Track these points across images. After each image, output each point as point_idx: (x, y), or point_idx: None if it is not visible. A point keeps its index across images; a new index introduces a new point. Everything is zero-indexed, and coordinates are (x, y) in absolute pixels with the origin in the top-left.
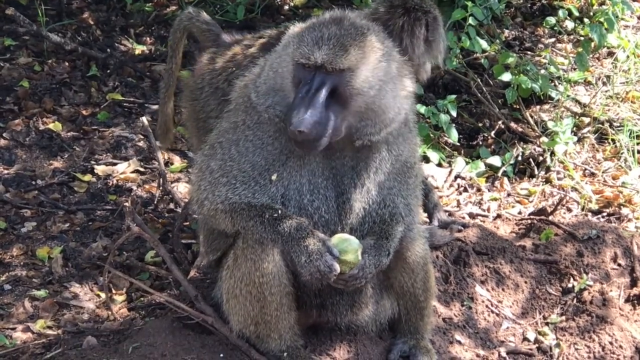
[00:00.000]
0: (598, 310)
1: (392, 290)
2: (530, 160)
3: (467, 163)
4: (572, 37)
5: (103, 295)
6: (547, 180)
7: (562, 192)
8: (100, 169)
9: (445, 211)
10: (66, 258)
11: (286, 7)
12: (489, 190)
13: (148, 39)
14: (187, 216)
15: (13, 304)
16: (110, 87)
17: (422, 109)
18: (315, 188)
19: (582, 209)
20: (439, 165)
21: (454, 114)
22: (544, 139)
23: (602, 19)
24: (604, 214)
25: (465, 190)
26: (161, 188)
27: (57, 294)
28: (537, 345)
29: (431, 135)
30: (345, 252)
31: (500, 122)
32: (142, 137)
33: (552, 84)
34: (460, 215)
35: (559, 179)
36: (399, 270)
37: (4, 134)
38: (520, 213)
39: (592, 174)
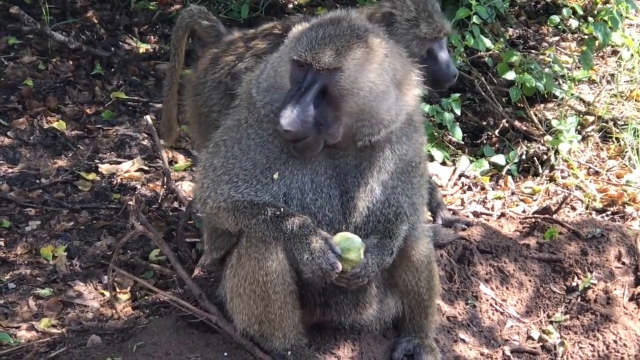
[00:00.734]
0: (602, 308)
1: (396, 289)
2: (535, 158)
3: (471, 162)
4: (576, 35)
5: (107, 293)
6: (551, 179)
7: (566, 190)
8: (104, 168)
9: (449, 210)
10: (70, 257)
11: (290, 5)
12: (493, 189)
13: (152, 37)
14: (191, 215)
15: (17, 303)
16: (114, 85)
17: (426, 107)
18: (317, 186)
19: (586, 208)
20: (443, 163)
21: (458, 112)
22: (548, 137)
23: (606, 18)
24: (608, 212)
25: (470, 188)
26: (165, 187)
27: (62, 293)
28: (541, 343)
29: (435, 133)
30: (348, 251)
31: (504, 121)
32: (146, 135)
33: (556, 82)
34: (465, 213)
35: (563, 177)
36: (403, 269)
37: (8, 133)
38: (524, 212)
39: (597, 173)
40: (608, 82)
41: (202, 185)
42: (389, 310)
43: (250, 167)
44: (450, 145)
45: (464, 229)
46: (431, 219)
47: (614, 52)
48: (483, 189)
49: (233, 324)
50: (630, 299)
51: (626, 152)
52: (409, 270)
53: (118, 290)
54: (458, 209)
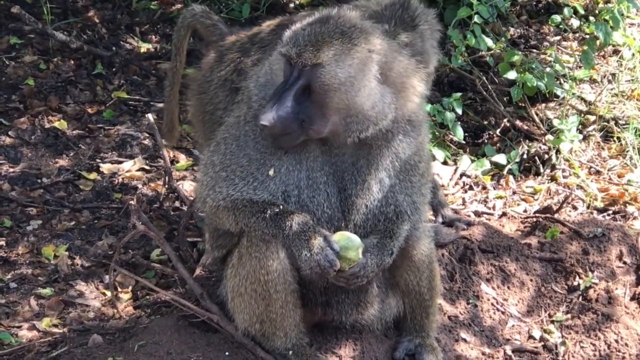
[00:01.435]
0: (603, 308)
1: (397, 288)
2: (536, 158)
3: (472, 161)
4: (577, 35)
5: (109, 293)
6: (553, 178)
7: (568, 190)
8: (105, 167)
9: (451, 209)
10: (72, 256)
11: (291, 4)
12: (494, 188)
13: (153, 37)
14: (192, 214)
15: (19, 302)
16: (115, 85)
17: (428, 107)
18: (314, 183)
19: (588, 207)
20: (445, 163)
21: (459, 111)
22: (549, 136)
23: (607, 17)
24: (610, 212)
25: (471, 188)
26: (167, 186)
27: (63, 292)
28: (542, 343)
29: (437, 133)
30: (347, 250)
31: (505, 120)
32: (147, 135)
33: (558, 81)
34: (466, 213)
35: (564, 177)
36: (404, 269)
37: (10, 132)
38: (525, 211)
39: (598, 172)
40: (609, 81)
41: (202, 183)
42: (391, 309)
43: (246, 164)
44: (451, 145)
45: (465, 229)
46: (433, 217)
47: (615, 52)
48: (484, 188)
49: (234, 324)
50: (632, 299)
51: (627, 151)
52: (410, 270)
53: (119, 289)
54: (459, 209)
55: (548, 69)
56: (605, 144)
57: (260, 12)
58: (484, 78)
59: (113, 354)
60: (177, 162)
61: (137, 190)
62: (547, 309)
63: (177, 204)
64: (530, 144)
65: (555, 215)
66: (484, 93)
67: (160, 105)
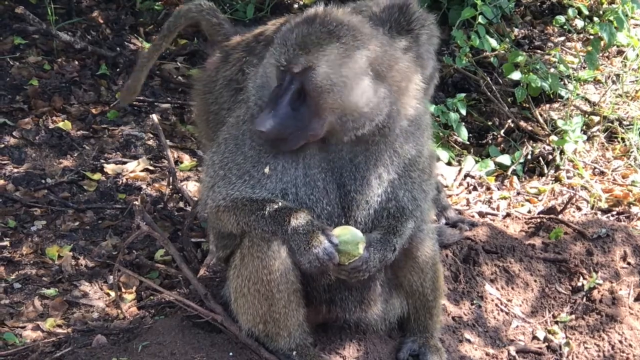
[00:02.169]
0: (608, 309)
1: (401, 289)
2: (540, 158)
3: (476, 162)
4: (581, 35)
5: (113, 293)
6: (557, 179)
7: (572, 190)
8: (109, 168)
9: (455, 210)
10: (76, 257)
11: (296, 5)
12: (498, 189)
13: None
14: (196, 214)
15: (23, 303)
16: (119, 85)
17: (432, 107)
18: (311, 180)
19: (592, 208)
20: (449, 164)
21: (463, 112)
22: (553, 137)
23: (611, 18)
24: (614, 212)
25: (475, 189)
26: (171, 186)
27: (67, 293)
28: (546, 344)
29: (441, 134)
30: (347, 243)
31: (509, 121)
32: (151, 135)
33: (562, 82)
34: (470, 214)
35: (568, 177)
36: (408, 270)
37: (14, 133)
38: (529, 212)
39: (602, 173)
40: (613, 82)
41: (204, 184)
42: (394, 310)
43: (242, 162)
44: (455, 146)
45: (468, 230)
46: (436, 218)
47: (620, 52)
48: (488, 189)
49: (238, 324)
50: (636, 299)
51: (632, 152)
52: (414, 271)
53: (123, 290)
54: (463, 209)
55: (552, 70)
56: (610, 144)
57: (265, 12)
58: (488, 79)
59: (117, 355)
60: (181, 162)
61: (141, 190)
62: (551, 310)
63: (181, 204)
64: (534, 145)
65: (560, 216)
66: (488, 94)
67: (165, 105)
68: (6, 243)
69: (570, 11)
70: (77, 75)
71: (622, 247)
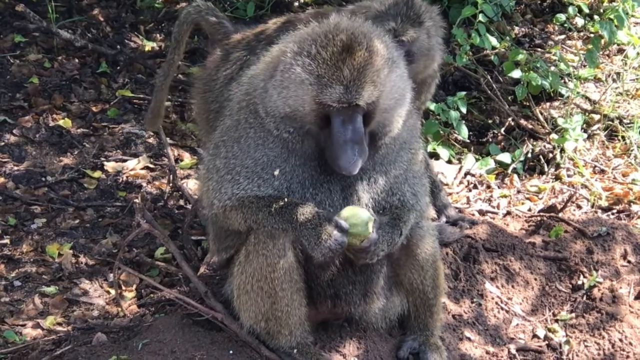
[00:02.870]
0: (608, 307)
1: (401, 287)
2: (540, 157)
3: (476, 160)
4: (582, 34)
5: (113, 291)
6: (557, 177)
7: (572, 189)
8: (110, 166)
9: (455, 208)
10: (76, 254)
11: (296, 3)
12: (498, 187)
13: (158, 35)
14: (196, 212)
15: (23, 301)
16: (120, 83)
17: (432, 105)
18: (317, 182)
19: (592, 206)
20: (449, 162)
21: (463, 110)
22: (553, 135)
23: (612, 16)
24: (614, 211)
25: (475, 187)
26: (171, 184)
27: (67, 291)
28: (546, 342)
29: (441, 132)
30: (356, 225)
31: (510, 119)
32: (152, 133)
33: (562, 80)
34: (470, 212)
35: (568, 176)
36: (408, 268)
37: (14, 131)
38: (530, 210)
39: (602, 171)
40: (614, 80)
41: (208, 188)
42: (395, 308)
43: (251, 165)
44: (456, 144)
45: (469, 228)
46: (436, 217)
47: (620, 51)
48: (489, 187)
49: (239, 322)
50: (636, 298)
51: (632, 150)
52: (415, 268)
53: (124, 288)
54: (464, 207)
55: (553, 68)
56: (610, 143)
57: (265, 10)
58: (489, 77)
59: (117, 353)
60: (182, 160)
61: (141, 188)
62: (551, 308)
63: (181, 202)
64: (534, 143)
65: (560, 214)
66: (489, 92)
67: (165, 103)
68: (6, 241)
69: (570, 9)
70: (78, 73)
71: (623, 246)
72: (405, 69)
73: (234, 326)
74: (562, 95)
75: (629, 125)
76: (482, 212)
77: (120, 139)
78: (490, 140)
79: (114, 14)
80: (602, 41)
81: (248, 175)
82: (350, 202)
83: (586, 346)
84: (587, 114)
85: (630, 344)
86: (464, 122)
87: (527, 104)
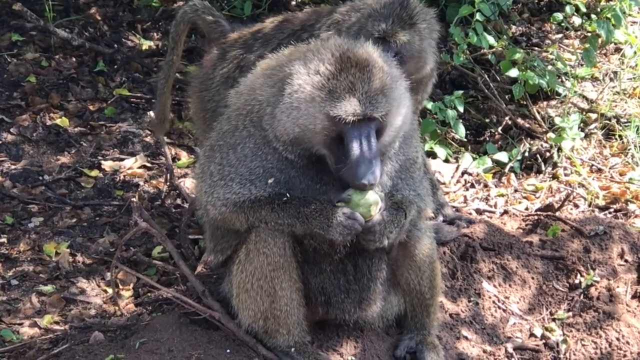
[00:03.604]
0: (605, 306)
1: (398, 287)
2: (537, 156)
3: (474, 159)
4: (579, 33)
5: (110, 290)
6: (554, 176)
7: (569, 188)
8: (107, 165)
9: (452, 207)
10: (73, 253)
11: (293, 2)
12: (495, 186)
13: (155, 34)
14: (194, 211)
15: (20, 299)
16: (117, 82)
17: (430, 104)
18: (314, 192)
19: (589, 205)
20: (446, 161)
21: (461, 109)
22: (551, 134)
23: (609, 15)
24: (611, 210)
25: (472, 186)
26: (168, 183)
27: (64, 290)
28: (544, 341)
29: (438, 131)
30: (357, 206)
31: (507, 118)
32: (149, 132)
33: (559, 80)
34: (467, 211)
35: (565, 175)
36: (405, 268)
37: (11, 129)
38: (527, 209)
39: (599, 170)
40: (611, 79)
41: (201, 189)
42: (392, 308)
43: (246, 173)
44: (453, 143)
45: (466, 227)
46: (433, 215)
47: (617, 50)
48: (486, 186)
49: (237, 320)
50: (633, 297)
51: (629, 149)
52: (412, 269)
53: (121, 287)
54: (461, 206)
55: (550, 67)
56: (607, 142)
57: (262, 9)
58: (486, 76)
59: (114, 351)
60: (179, 159)
61: (138, 187)
62: (548, 307)
63: (178, 201)
64: (531, 142)
65: (557, 213)
66: (486, 91)
67: None
68: (3, 240)
69: (567, 8)
70: (75, 72)
71: (620, 245)
72: (406, 85)
73: (231, 325)
74: (559, 94)
75: (626, 124)
76: (479, 211)
77: (118, 137)
78: (488, 139)
79: (111, 12)
80: (600, 40)
81: (241, 182)
82: None
83: (583, 345)
84: (584, 113)
85: (627, 342)
86: (461, 121)
87: (525, 103)
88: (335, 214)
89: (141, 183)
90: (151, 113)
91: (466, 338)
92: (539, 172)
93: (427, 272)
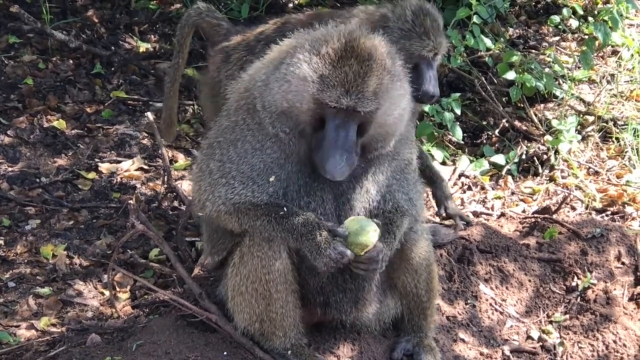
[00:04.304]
0: (602, 308)
1: (395, 290)
2: (535, 158)
3: (471, 161)
4: (576, 35)
5: (107, 292)
6: (551, 179)
7: (566, 190)
8: (104, 167)
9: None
10: (70, 256)
11: (290, 4)
12: (493, 189)
13: (152, 36)
14: (191, 213)
15: (17, 302)
16: (114, 84)
17: (427, 107)
18: (311, 190)
19: (586, 208)
20: (443, 163)
21: (458, 112)
22: (548, 137)
23: (606, 18)
24: (608, 212)
25: (469, 188)
26: (165, 185)
27: (61, 292)
28: (540, 343)
29: (435, 133)
30: (356, 235)
31: (504, 121)
32: (146, 134)
33: (557, 82)
34: (464, 213)
35: (563, 177)
36: (402, 271)
37: (8, 132)
38: (524, 211)
39: (596, 173)
40: (608, 82)
41: (200, 187)
42: (389, 310)
43: (247, 170)
44: (450, 145)
45: (463, 229)
46: (434, 212)
47: (614, 52)
48: (483, 188)
49: (233, 323)
50: (630, 299)
51: (626, 152)
52: (408, 272)
53: (118, 289)
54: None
55: (547, 70)
56: (604, 144)
57: (260, 11)
58: (483, 78)
59: (111, 354)
60: (176, 161)
61: (135, 189)
62: (545, 310)
63: (175, 203)
64: (529, 145)
65: (554, 216)
66: (483, 93)
67: (159, 104)
68: (0, 242)
69: (565, 11)
70: (72, 74)
71: (617, 247)
72: (408, 88)
73: (228, 327)
74: (556, 97)
75: (623, 126)
76: (476, 214)
77: (115, 140)
78: (485, 141)
79: (108, 15)
80: (597, 43)
81: (243, 180)
82: (342, 210)
83: (580, 347)
84: (581, 115)
85: (624, 345)
86: (458, 123)
87: (522, 105)
88: (326, 243)
89: (138, 185)
90: (149, 114)
91: (463, 341)
92: (536, 174)
93: (424, 274)
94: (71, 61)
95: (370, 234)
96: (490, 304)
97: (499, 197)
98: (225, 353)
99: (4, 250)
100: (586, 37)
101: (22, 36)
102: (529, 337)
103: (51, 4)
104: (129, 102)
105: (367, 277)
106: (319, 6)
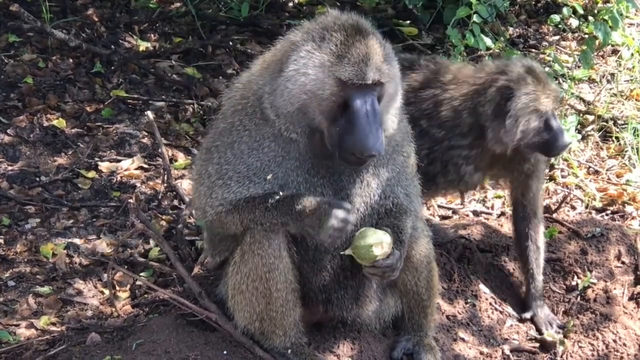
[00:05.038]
0: (602, 308)
1: (395, 288)
2: None
3: None
4: (576, 34)
5: (107, 291)
6: (551, 178)
7: (566, 190)
8: (104, 166)
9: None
10: (70, 255)
11: (290, 4)
12: (492, 188)
13: (152, 35)
14: (191, 213)
15: (17, 301)
16: (114, 83)
17: None
18: (311, 186)
19: (586, 207)
20: None
21: None
22: None
23: (606, 17)
24: (608, 211)
25: None
26: (165, 184)
27: (61, 291)
28: (540, 343)
29: None
30: (370, 246)
31: None
32: (146, 133)
33: (557, 81)
34: (464, 212)
35: (563, 176)
36: (402, 269)
37: (8, 131)
38: None
39: (596, 172)
40: (608, 81)
41: (199, 193)
42: (389, 309)
43: (244, 170)
44: None
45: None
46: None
47: (614, 52)
48: (483, 187)
49: (233, 322)
50: (630, 299)
51: (626, 151)
52: (409, 270)
53: (117, 288)
54: (458, 208)
55: (547, 69)
56: (604, 143)
57: (260, 10)
58: None
59: (111, 353)
60: (176, 160)
61: (135, 188)
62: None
63: (175, 202)
64: None
65: (554, 215)
66: None
67: (159, 103)
68: (0, 241)
69: (565, 10)
70: (72, 73)
71: (617, 247)
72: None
73: (228, 326)
74: None
75: (623, 126)
76: (476, 213)
77: (115, 139)
78: None
79: (108, 14)
80: (597, 42)
81: (239, 179)
82: None
83: (580, 347)
84: (581, 114)
85: (624, 344)
86: None
87: None
88: (327, 214)
89: (138, 184)
90: (149, 113)
91: (463, 340)
92: None
93: (425, 272)
94: (71, 60)
95: (385, 244)
96: (490, 303)
97: (499, 197)
98: (225, 352)
99: (3, 249)
100: (586, 36)
101: (22, 35)
102: (528, 337)
103: (51, 3)
104: (128, 101)
105: (380, 282)
106: (318, 5)
